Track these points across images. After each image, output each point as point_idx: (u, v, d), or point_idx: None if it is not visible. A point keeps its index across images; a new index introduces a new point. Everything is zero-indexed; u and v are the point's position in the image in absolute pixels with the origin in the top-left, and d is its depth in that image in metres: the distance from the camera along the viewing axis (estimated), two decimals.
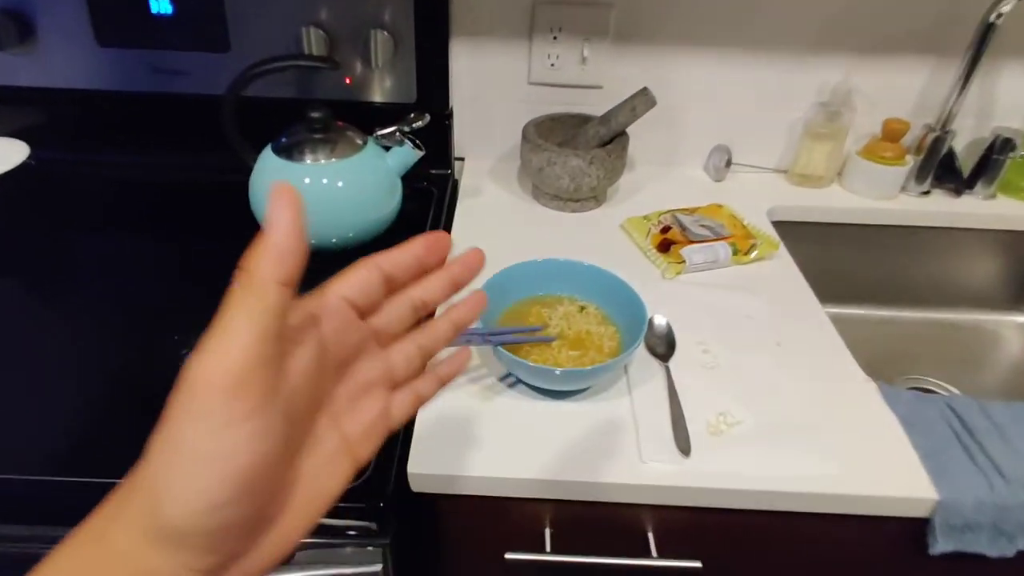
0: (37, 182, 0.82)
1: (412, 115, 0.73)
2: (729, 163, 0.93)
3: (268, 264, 0.22)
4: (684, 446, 0.53)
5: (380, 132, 0.73)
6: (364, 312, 0.28)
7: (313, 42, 0.75)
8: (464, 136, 0.95)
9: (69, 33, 0.77)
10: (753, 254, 0.76)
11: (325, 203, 0.70)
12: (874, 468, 0.52)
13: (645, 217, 0.82)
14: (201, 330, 0.22)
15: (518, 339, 0.57)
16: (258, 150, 0.71)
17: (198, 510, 0.21)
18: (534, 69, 0.88)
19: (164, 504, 0.21)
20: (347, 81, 0.80)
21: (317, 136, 0.70)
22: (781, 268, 0.76)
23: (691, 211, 0.83)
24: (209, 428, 0.21)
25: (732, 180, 0.95)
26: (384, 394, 0.29)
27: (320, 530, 0.48)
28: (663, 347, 0.63)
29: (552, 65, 0.87)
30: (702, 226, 0.78)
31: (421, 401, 0.31)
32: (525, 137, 0.82)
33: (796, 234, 0.88)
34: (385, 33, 0.76)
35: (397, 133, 0.73)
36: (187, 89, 0.80)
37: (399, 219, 0.79)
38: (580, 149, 0.80)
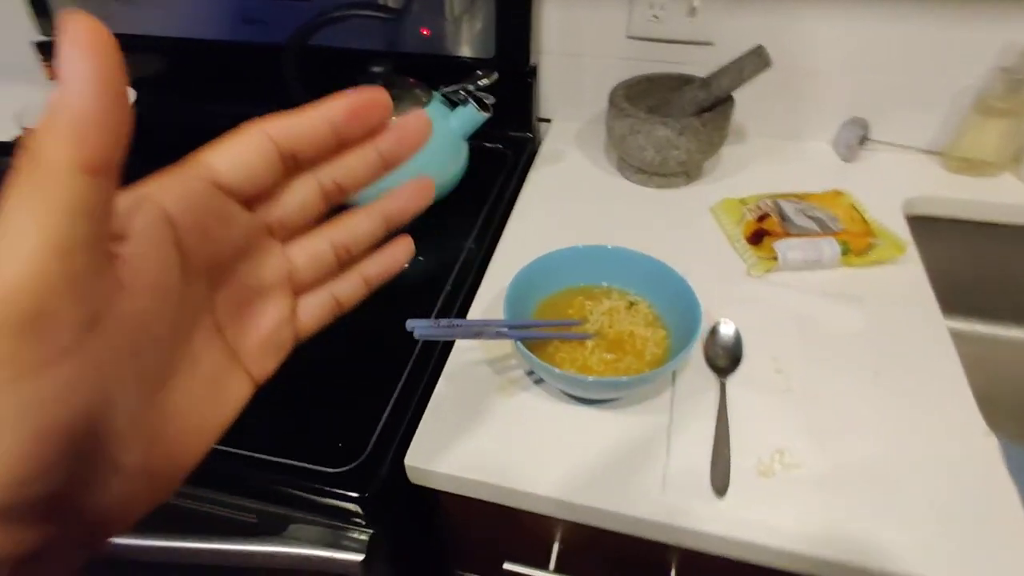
0: (138, 124, 0.87)
1: (479, 72, 0.67)
2: (864, 140, 0.77)
3: (60, 142, 0.15)
4: (720, 484, 0.45)
5: (444, 89, 0.68)
6: (251, 198, 0.21)
7: None
8: (552, 96, 0.87)
9: None
10: (870, 255, 0.62)
11: None
12: (975, 555, 0.41)
13: (742, 200, 0.70)
14: None
15: (546, 334, 0.51)
16: None
17: (4, 483, 0.15)
18: (634, 21, 0.77)
19: None
20: (424, 33, 0.75)
21: None
22: (905, 276, 0.62)
23: (801, 197, 0.69)
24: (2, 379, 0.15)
25: (865, 161, 0.79)
26: (285, 299, 0.23)
27: (306, 506, 0.47)
28: (725, 359, 0.53)
29: (655, 16, 0.76)
30: (809, 217, 0.65)
31: (340, 307, 0.25)
32: (611, 100, 0.73)
33: (938, 233, 0.72)
34: None
35: (461, 92, 0.67)
36: (271, 39, 0.79)
37: (465, 182, 0.74)
38: (671, 117, 0.69)
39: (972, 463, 0.46)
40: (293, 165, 0.22)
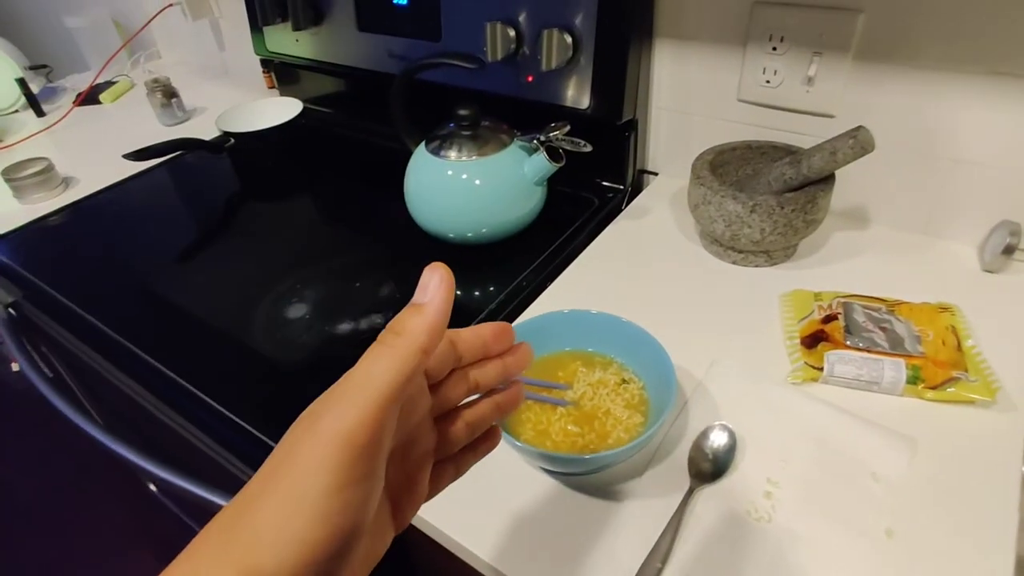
0: (305, 133, 1.04)
1: (554, 124, 0.69)
2: (1012, 249, 0.63)
3: (423, 331, 0.23)
4: None
5: (520, 137, 0.71)
6: (432, 381, 0.29)
7: (499, 37, 0.76)
8: (662, 150, 0.85)
9: (341, 20, 0.94)
10: (947, 391, 0.52)
11: (461, 198, 0.72)
12: None
13: (816, 294, 0.62)
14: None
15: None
16: (425, 135, 0.76)
17: (297, 564, 0.20)
18: (745, 84, 0.72)
19: (265, 554, 0.20)
20: (528, 79, 0.79)
21: (465, 133, 0.72)
22: (990, 427, 0.50)
23: (890, 305, 0.59)
24: (335, 484, 0.20)
25: (1012, 275, 0.64)
26: (429, 466, 0.30)
27: None
28: (708, 465, 0.49)
29: (768, 82, 0.70)
30: (881, 328, 0.56)
31: (459, 474, 0.32)
32: (693, 164, 0.69)
33: None
34: (564, 34, 0.72)
35: (535, 141, 0.70)
36: None
37: (542, 226, 0.77)
38: (747, 191, 0.64)
39: None
40: (459, 364, 0.30)
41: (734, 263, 0.70)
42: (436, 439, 0.30)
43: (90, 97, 1.29)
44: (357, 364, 0.23)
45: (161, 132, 1.15)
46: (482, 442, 0.33)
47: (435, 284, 0.24)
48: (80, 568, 1.42)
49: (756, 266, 0.69)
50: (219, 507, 0.52)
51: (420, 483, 0.29)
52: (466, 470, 0.32)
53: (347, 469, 0.21)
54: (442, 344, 0.28)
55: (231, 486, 0.55)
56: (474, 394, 0.31)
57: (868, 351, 0.54)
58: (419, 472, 0.29)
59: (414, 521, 0.49)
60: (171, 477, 0.59)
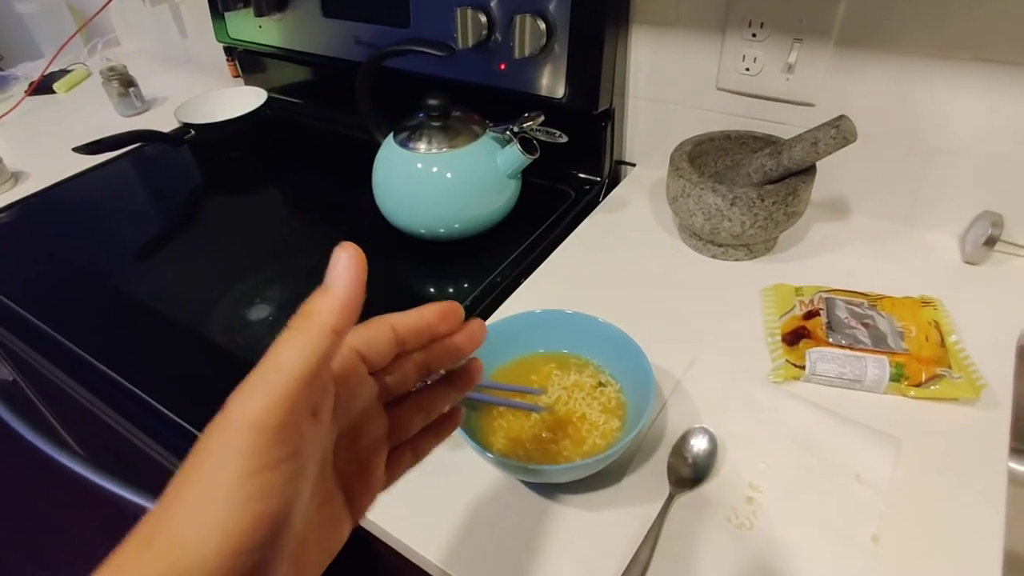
0: (270, 124, 1.00)
1: (527, 114, 0.66)
2: (993, 241, 0.62)
3: (332, 312, 0.23)
4: None
5: (492, 128, 0.68)
6: (373, 368, 0.28)
7: (470, 23, 0.72)
8: (639, 141, 0.83)
9: (305, 5, 0.90)
10: (931, 389, 0.50)
11: (432, 192, 0.69)
12: None
13: (797, 289, 0.61)
14: None
15: (485, 397, 0.49)
16: (393, 125, 0.73)
17: (221, 555, 0.20)
18: (724, 72, 0.70)
19: (187, 550, 0.20)
20: (501, 67, 0.76)
21: (435, 124, 0.69)
22: (975, 424, 0.49)
23: (872, 300, 0.58)
24: (247, 469, 0.20)
25: (996, 266, 0.63)
26: (384, 453, 0.29)
27: None
28: (688, 470, 0.47)
29: (747, 70, 0.68)
30: (864, 325, 0.55)
31: (418, 459, 0.31)
32: (672, 155, 0.67)
33: None
34: (537, 19, 0.69)
35: (507, 132, 0.67)
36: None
37: (517, 220, 0.74)
38: (726, 184, 0.62)
39: None
40: (401, 349, 0.29)
41: (714, 257, 0.68)
42: (388, 425, 0.29)
43: (43, 86, 1.23)
44: (267, 351, 0.22)
45: (119, 123, 1.09)
46: (441, 424, 0.32)
47: (343, 264, 0.24)
48: (46, 571, 1.37)
49: (736, 260, 0.67)
50: None
51: (374, 471, 0.28)
52: (425, 454, 0.32)
53: (260, 454, 0.20)
54: (380, 329, 0.28)
55: None
56: (427, 377, 0.31)
57: (851, 348, 0.52)
58: (372, 459, 0.28)
59: (386, 539, 0.47)
60: (130, 495, 0.56)
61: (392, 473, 0.30)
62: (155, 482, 0.62)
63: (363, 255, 0.24)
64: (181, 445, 0.54)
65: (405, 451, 0.31)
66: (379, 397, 0.29)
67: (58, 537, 1.44)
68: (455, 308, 0.30)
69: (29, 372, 0.82)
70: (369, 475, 0.28)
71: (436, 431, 0.32)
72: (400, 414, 0.30)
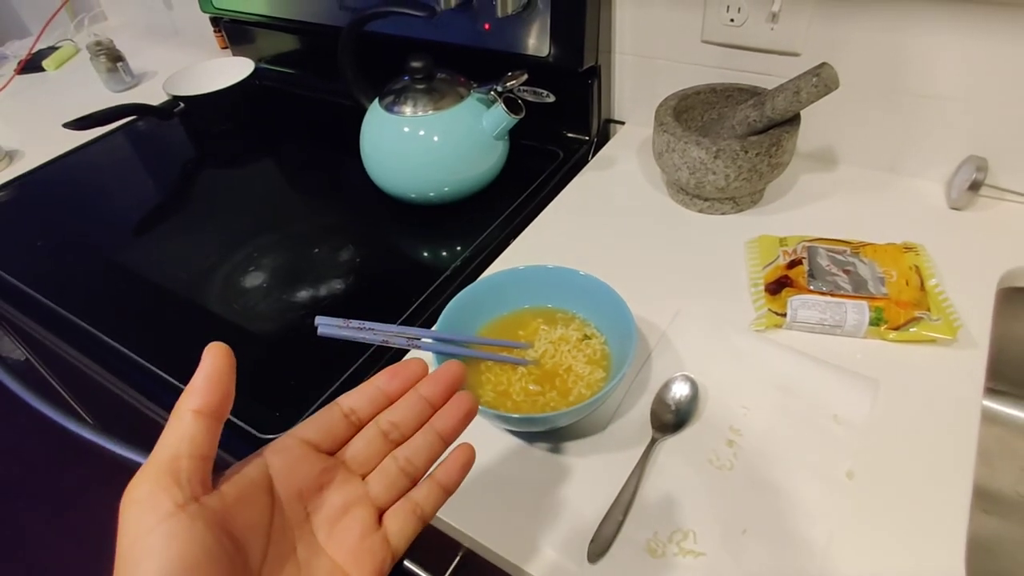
0: (259, 94, 1.00)
1: (511, 73, 0.66)
2: (978, 185, 0.62)
3: (186, 398, 0.27)
4: (597, 550, 0.42)
5: (476, 88, 0.68)
6: (328, 448, 0.30)
7: None
8: (627, 99, 0.82)
9: None
10: (909, 332, 0.51)
11: (419, 156, 0.69)
12: None
13: (781, 239, 0.61)
14: None
15: (474, 353, 0.50)
16: (378, 90, 0.73)
17: None
18: (708, 24, 0.70)
19: None
20: (485, 27, 0.75)
21: (419, 86, 0.69)
22: (951, 365, 0.50)
23: (855, 247, 0.59)
24: (137, 534, 0.24)
25: (980, 211, 0.64)
26: (365, 512, 0.30)
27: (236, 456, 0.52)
28: (671, 416, 0.49)
29: (732, 21, 0.68)
30: (845, 271, 0.55)
31: (423, 513, 0.31)
32: (656, 110, 0.67)
33: None
34: None
35: (492, 92, 0.67)
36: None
37: (505, 181, 0.75)
38: (711, 136, 0.62)
39: None
40: (358, 420, 0.31)
41: (700, 212, 0.68)
42: (358, 491, 0.30)
43: (32, 64, 1.23)
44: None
45: (109, 99, 1.09)
46: (443, 469, 0.32)
47: (207, 359, 0.27)
48: (64, 543, 1.42)
49: (722, 214, 0.68)
50: None
51: (348, 534, 0.29)
52: (432, 504, 0.31)
53: (141, 520, 0.24)
54: (327, 412, 0.31)
55: None
56: (398, 434, 0.31)
57: (831, 295, 0.53)
58: (345, 523, 0.29)
59: None
60: (140, 459, 0.58)
61: (395, 531, 0.30)
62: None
63: (227, 352, 0.28)
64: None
65: (402, 506, 0.31)
66: (347, 468, 0.30)
67: (76, 504, 1.49)
68: (405, 366, 0.32)
69: (40, 349, 0.84)
70: (344, 540, 0.29)
71: (439, 479, 0.32)
72: (376, 475, 0.31)
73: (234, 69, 0.97)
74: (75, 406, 1.17)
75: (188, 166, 0.93)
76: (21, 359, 1.49)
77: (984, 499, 0.62)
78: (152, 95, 1.04)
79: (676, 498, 0.44)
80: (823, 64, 0.56)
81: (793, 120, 0.62)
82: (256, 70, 0.97)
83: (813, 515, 0.42)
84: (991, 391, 0.66)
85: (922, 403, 0.48)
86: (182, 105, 0.95)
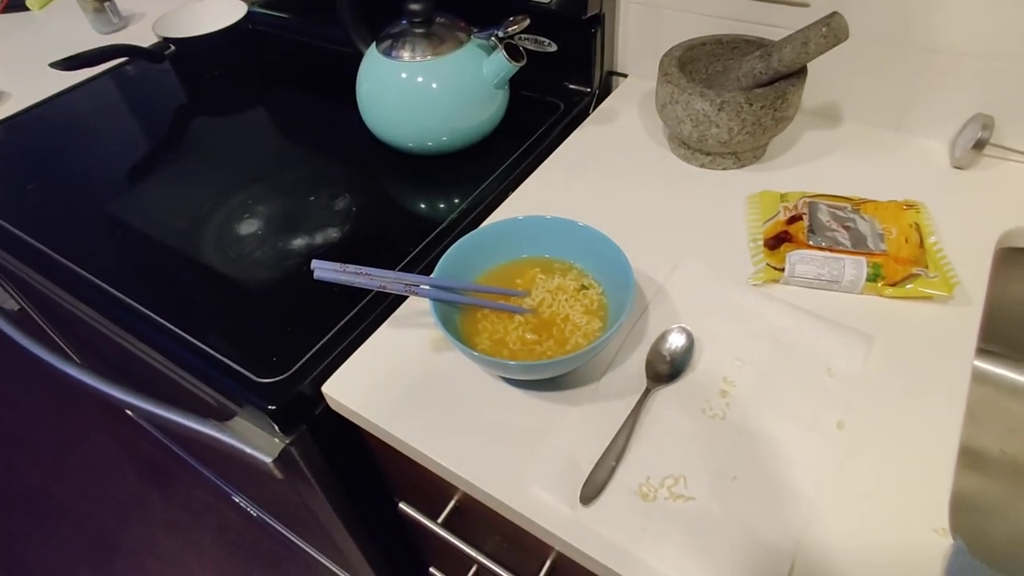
0: (252, 38, 0.97)
1: (512, 18, 0.64)
2: (983, 144, 0.61)
3: None
4: (590, 492, 0.42)
5: (477, 34, 0.66)
6: None
7: None
8: (631, 49, 0.80)
9: None
10: (906, 288, 0.52)
11: (418, 103, 0.68)
12: None
13: (782, 195, 0.61)
14: None
15: (471, 300, 0.50)
16: (376, 35, 0.71)
17: None
18: None
19: None
20: None
21: (418, 30, 0.67)
22: (946, 321, 0.50)
23: (856, 204, 0.58)
24: None
25: (983, 170, 0.63)
26: None
27: (234, 402, 0.52)
28: (666, 367, 0.49)
29: None
30: (845, 227, 0.55)
31: None
32: (660, 61, 0.66)
33: None
34: None
35: (492, 38, 0.65)
36: None
37: (505, 132, 0.73)
38: (715, 88, 0.61)
39: (908, 560, 0.39)
40: None
41: (702, 166, 0.67)
42: None
43: (15, 3, 1.18)
44: None
45: (96, 40, 1.06)
46: None
47: None
48: (66, 489, 1.45)
49: (724, 169, 0.67)
50: (186, 427, 0.52)
51: None
52: None
53: None
54: None
55: (195, 406, 0.54)
56: None
57: (830, 250, 0.53)
58: None
59: (379, 434, 0.49)
60: (136, 401, 0.58)
61: None
62: (155, 387, 0.65)
63: None
64: (177, 352, 0.55)
65: None
66: None
67: (75, 448, 1.51)
68: None
69: (33, 295, 0.83)
70: None
71: None
72: None
73: (226, 11, 0.94)
74: (70, 353, 1.17)
75: (181, 111, 0.90)
76: (15, 308, 1.48)
77: (969, 456, 0.63)
78: (141, 37, 1.00)
79: (669, 445, 0.45)
80: (834, 13, 0.54)
81: (799, 73, 0.60)
82: (249, 13, 0.93)
83: (802, 464, 0.43)
84: (981, 351, 0.67)
85: (915, 359, 0.48)
86: (172, 48, 0.92)
